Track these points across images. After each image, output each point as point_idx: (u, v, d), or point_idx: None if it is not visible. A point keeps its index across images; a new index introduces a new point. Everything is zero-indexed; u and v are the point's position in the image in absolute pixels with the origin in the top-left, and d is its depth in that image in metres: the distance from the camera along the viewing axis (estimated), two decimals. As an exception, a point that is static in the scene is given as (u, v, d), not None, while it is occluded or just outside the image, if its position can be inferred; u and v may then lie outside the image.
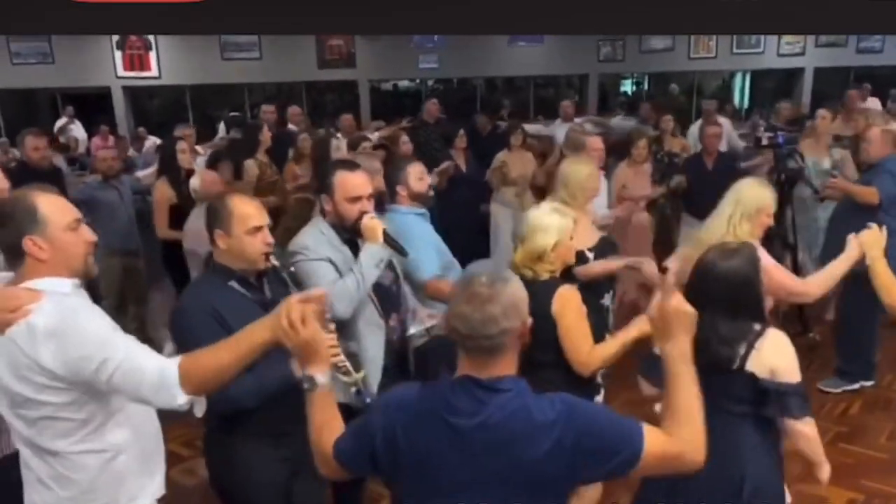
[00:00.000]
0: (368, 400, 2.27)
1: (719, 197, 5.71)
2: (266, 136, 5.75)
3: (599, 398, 2.85)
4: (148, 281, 5.56)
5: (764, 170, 5.82)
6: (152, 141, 9.41)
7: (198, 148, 6.18)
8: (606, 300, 3.20)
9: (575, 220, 2.74)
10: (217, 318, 2.16)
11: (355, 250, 2.70)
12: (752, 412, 2.20)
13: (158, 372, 1.72)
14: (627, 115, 9.33)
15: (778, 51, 14.32)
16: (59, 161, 6.89)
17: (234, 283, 2.28)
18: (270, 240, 2.31)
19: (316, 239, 2.72)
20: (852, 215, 4.33)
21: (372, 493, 3.32)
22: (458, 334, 1.49)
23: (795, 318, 5.06)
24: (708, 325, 2.05)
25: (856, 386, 4.52)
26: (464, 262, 3.39)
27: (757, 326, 2.21)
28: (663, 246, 6.05)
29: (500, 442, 1.46)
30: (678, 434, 1.53)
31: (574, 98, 12.24)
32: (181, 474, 3.82)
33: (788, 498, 2.36)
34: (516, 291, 1.51)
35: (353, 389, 2.16)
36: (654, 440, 1.49)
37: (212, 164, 5.19)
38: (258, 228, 2.28)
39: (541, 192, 6.45)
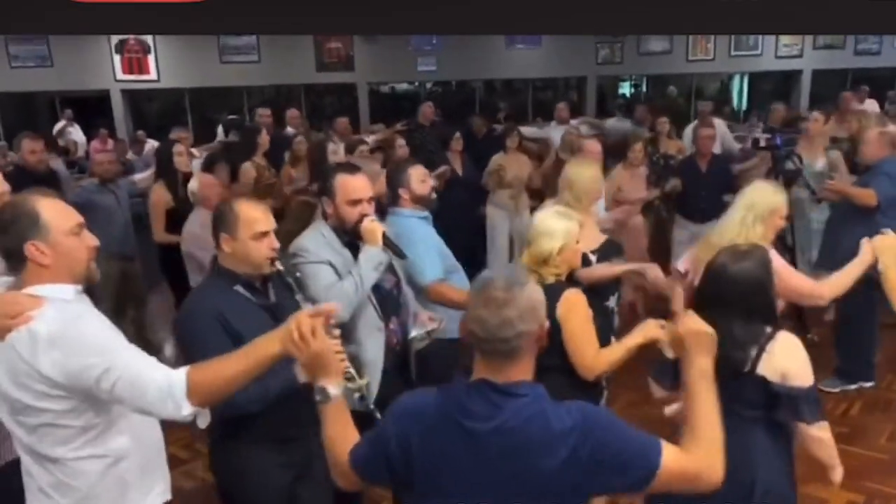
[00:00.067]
0: (372, 406, 2.26)
1: (713, 199, 5.77)
2: (264, 139, 5.76)
3: (602, 401, 2.85)
4: (146, 284, 5.55)
5: (762, 171, 5.84)
6: (151, 144, 9.41)
7: (193, 151, 6.17)
8: (611, 302, 3.19)
9: (581, 224, 2.73)
10: (222, 322, 2.17)
11: (356, 253, 2.70)
12: (763, 416, 2.19)
13: (165, 382, 1.70)
14: (623, 117, 9.33)
15: (776, 53, 14.34)
16: (59, 164, 6.88)
17: (239, 288, 2.28)
18: (276, 244, 2.32)
19: (316, 241, 2.73)
20: (850, 217, 4.34)
21: (373, 496, 3.32)
22: (474, 338, 1.49)
23: (794, 319, 5.06)
24: (719, 328, 2.05)
25: (855, 386, 4.52)
26: (460, 264, 3.40)
27: (768, 329, 2.20)
28: (658, 248, 6.06)
29: (515, 447, 1.45)
30: (697, 453, 1.52)
31: (572, 100, 12.28)
32: (181, 477, 3.80)
33: None
34: (533, 295, 1.51)
35: (357, 395, 2.16)
36: (671, 457, 1.48)
37: (207, 167, 5.17)
38: (264, 233, 2.28)
39: (537, 194, 6.46)
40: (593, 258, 3.20)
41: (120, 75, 11.71)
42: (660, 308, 5.55)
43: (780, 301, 2.55)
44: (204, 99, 13.31)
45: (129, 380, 1.69)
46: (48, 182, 4.68)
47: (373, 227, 2.69)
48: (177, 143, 5.34)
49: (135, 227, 5.34)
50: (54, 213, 1.77)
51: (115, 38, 11.44)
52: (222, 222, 2.29)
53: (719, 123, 7.61)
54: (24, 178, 4.26)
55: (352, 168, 2.84)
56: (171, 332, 5.71)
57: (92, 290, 1.90)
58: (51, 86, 11.65)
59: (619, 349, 2.60)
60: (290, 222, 3.82)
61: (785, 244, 5.12)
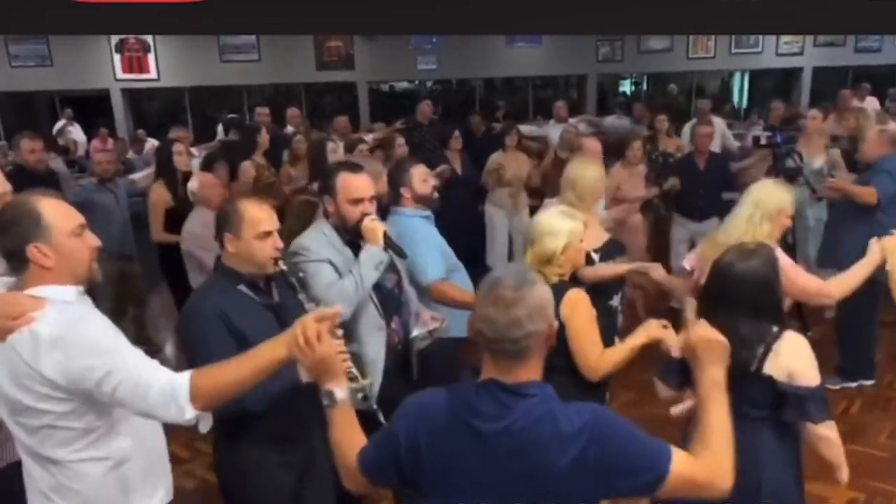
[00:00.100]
0: (375, 406, 2.26)
1: (711, 197, 5.76)
2: (264, 138, 5.74)
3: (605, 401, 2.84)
4: (146, 284, 5.55)
5: (760, 169, 5.82)
6: (152, 143, 9.41)
7: (192, 150, 6.17)
8: (615, 301, 3.16)
9: (584, 223, 2.71)
10: (225, 321, 2.17)
11: (357, 252, 2.71)
12: (770, 416, 2.18)
13: (168, 385, 1.69)
14: (623, 115, 9.32)
15: (776, 50, 14.32)
16: (59, 163, 6.88)
17: (242, 287, 2.28)
18: (280, 244, 2.32)
19: (317, 240, 2.74)
20: (850, 215, 4.34)
21: (373, 494, 3.32)
22: (483, 338, 1.48)
23: (795, 316, 5.05)
24: (726, 326, 2.05)
25: (855, 384, 4.52)
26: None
27: (775, 328, 2.19)
28: (657, 246, 6.05)
29: (523, 448, 1.45)
30: (707, 461, 1.52)
31: (573, 98, 12.25)
32: (181, 476, 3.81)
33: None
34: (542, 294, 1.50)
35: (360, 395, 2.16)
36: (681, 464, 1.48)
37: (206, 166, 5.16)
38: (268, 233, 2.28)
39: (536, 193, 6.46)
40: (596, 257, 3.19)
41: (120, 74, 11.70)
42: (660, 307, 5.57)
43: (787, 300, 2.54)
44: (204, 98, 13.31)
45: (131, 383, 1.69)
46: (47, 182, 4.67)
47: (374, 226, 2.69)
48: (176, 143, 5.32)
49: (134, 227, 5.33)
50: (56, 213, 1.76)
51: (115, 38, 11.42)
52: (227, 222, 2.28)
53: (718, 121, 7.61)
54: (23, 178, 4.25)
55: (354, 167, 2.85)
56: (173, 332, 5.75)
57: (91, 290, 1.89)
58: (51, 85, 11.64)
59: (623, 349, 2.59)
60: (292, 221, 3.82)
61: (786, 243, 5.12)
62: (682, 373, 2.40)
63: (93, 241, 1.83)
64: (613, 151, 5.85)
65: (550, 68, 13.79)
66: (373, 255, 2.67)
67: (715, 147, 6.69)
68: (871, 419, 4.19)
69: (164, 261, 4.98)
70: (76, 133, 11.11)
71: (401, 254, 2.79)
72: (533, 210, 6.41)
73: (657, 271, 3.15)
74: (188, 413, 1.70)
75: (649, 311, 5.48)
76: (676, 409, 2.56)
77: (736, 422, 1.62)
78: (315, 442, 2.39)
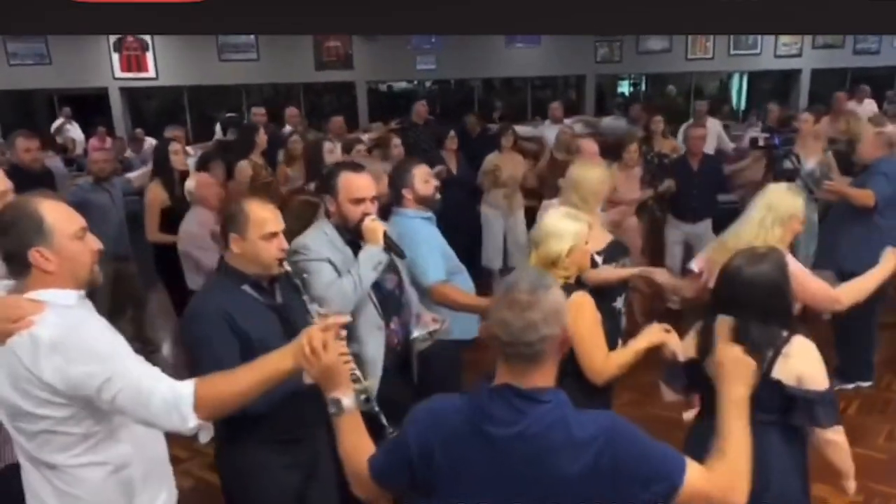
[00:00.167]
0: (377, 409, 2.25)
1: (704, 199, 5.75)
2: (262, 138, 5.73)
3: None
4: (142, 284, 5.54)
5: (755, 171, 5.83)
6: (150, 142, 9.40)
7: (188, 149, 6.16)
8: (619, 303, 3.15)
9: (590, 225, 2.70)
10: (229, 322, 2.17)
11: (358, 252, 2.71)
12: (779, 420, 2.18)
13: (171, 394, 1.68)
14: (621, 115, 9.31)
15: (775, 52, 14.31)
16: (57, 162, 6.87)
17: (246, 287, 2.28)
18: (285, 245, 2.32)
19: (318, 239, 2.74)
20: (847, 217, 4.35)
21: (381, 501, 3.31)
22: (498, 341, 1.48)
23: (802, 320, 5.05)
24: (735, 330, 2.05)
25: (853, 386, 4.52)
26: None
27: (784, 333, 2.19)
28: (653, 248, 6.05)
29: (536, 453, 1.44)
30: (723, 476, 1.52)
31: (571, 98, 12.22)
32: (179, 476, 3.76)
33: None
34: (557, 298, 1.51)
35: (363, 397, 2.15)
36: (696, 476, 1.48)
37: (201, 166, 5.14)
38: (274, 234, 2.27)
39: (533, 194, 6.46)
40: (599, 259, 3.18)
41: (118, 73, 11.69)
42: (658, 308, 5.57)
43: (797, 305, 2.54)
44: (202, 97, 13.30)
45: (133, 391, 1.67)
46: (43, 181, 4.65)
47: (374, 226, 2.70)
48: (173, 142, 5.31)
49: (131, 226, 5.30)
50: (58, 217, 1.74)
51: (113, 36, 11.42)
52: (232, 222, 2.28)
53: (714, 123, 7.62)
54: (18, 177, 4.23)
55: (355, 167, 2.86)
56: (170, 331, 5.74)
57: (89, 292, 1.88)
58: (49, 83, 11.63)
59: (628, 353, 2.58)
60: (291, 221, 3.82)
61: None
62: (688, 377, 2.40)
63: (94, 244, 1.82)
64: (610, 152, 5.86)
65: (549, 69, 13.78)
66: (372, 256, 2.67)
67: (710, 149, 6.69)
68: (870, 421, 4.19)
69: (159, 261, 4.97)
70: (74, 131, 11.11)
71: (400, 254, 2.78)
72: (529, 211, 6.44)
73: (662, 276, 3.15)
74: (191, 422, 1.69)
75: (646, 312, 5.48)
76: (688, 415, 2.57)
77: None
78: (319, 443, 2.39)
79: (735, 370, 1.72)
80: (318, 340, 1.65)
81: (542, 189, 6.17)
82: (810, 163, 5.55)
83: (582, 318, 2.51)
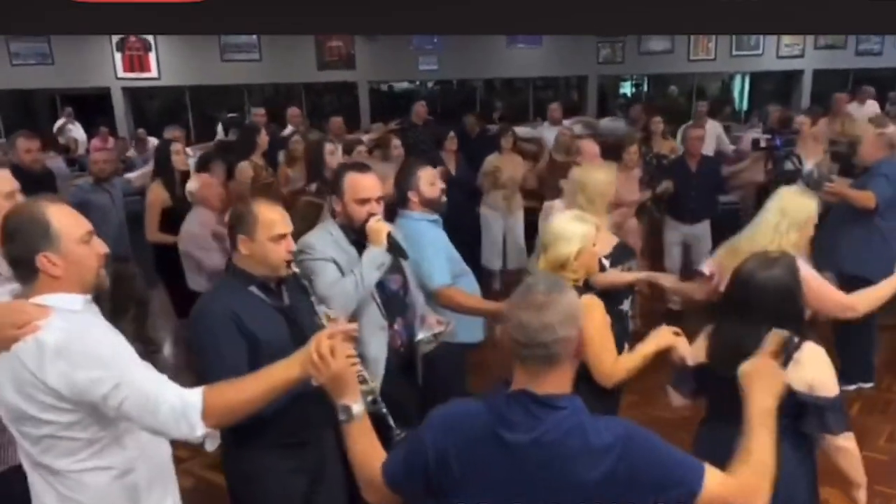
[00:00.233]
0: (384, 410, 2.24)
1: (702, 200, 5.74)
2: (263, 138, 5.71)
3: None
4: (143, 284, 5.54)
5: (754, 173, 5.82)
6: (154, 142, 9.41)
7: (188, 150, 6.17)
8: (625, 306, 3.14)
9: (598, 227, 2.69)
10: (237, 322, 2.17)
11: (363, 252, 2.71)
12: (788, 426, 2.16)
13: (179, 402, 1.68)
14: (619, 116, 9.30)
15: (777, 53, 14.31)
16: (59, 162, 6.87)
17: (253, 289, 2.27)
18: (293, 247, 2.32)
19: (322, 239, 2.75)
20: (848, 219, 4.34)
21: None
22: (515, 343, 1.48)
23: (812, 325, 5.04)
24: (746, 335, 2.05)
25: (854, 387, 4.52)
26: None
27: (795, 339, 2.16)
28: (652, 249, 6.05)
29: (553, 460, 1.44)
30: (744, 482, 1.52)
31: (573, 99, 12.21)
32: (180, 475, 3.78)
33: None
34: (573, 301, 1.51)
35: (370, 398, 2.15)
36: (715, 483, 1.47)
37: (201, 167, 5.12)
38: (282, 236, 2.27)
39: (531, 194, 6.46)
40: (607, 262, 3.16)
41: (121, 73, 11.70)
42: (658, 308, 5.57)
43: (809, 310, 2.52)
44: (204, 97, 13.32)
45: (140, 398, 1.66)
46: (43, 182, 4.66)
47: (378, 226, 2.70)
48: (174, 142, 5.31)
49: (132, 227, 5.29)
50: (65, 221, 1.73)
51: (115, 36, 11.43)
52: (240, 223, 2.27)
53: (714, 125, 7.61)
54: (19, 178, 4.23)
55: (362, 167, 2.86)
56: (172, 332, 5.74)
57: (94, 295, 1.88)
58: (51, 83, 11.64)
59: (637, 357, 2.58)
60: (296, 222, 3.83)
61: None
62: (697, 381, 2.39)
63: (100, 247, 1.81)
64: (609, 153, 5.86)
65: (551, 69, 13.79)
66: (375, 256, 2.67)
67: (709, 150, 6.68)
68: (871, 422, 4.18)
69: (160, 261, 4.97)
70: (76, 131, 11.12)
71: (403, 255, 2.78)
72: (528, 212, 6.44)
73: (669, 280, 3.14)
74: (199, 430, 1.69)
75: (645, 314, 5.49)
76: (677, 401, 2.56)
77: None
78: (325, 446, 2.40)
79: (765, 381, 1.70)
80: (325, 347, 1.65)
81: (542, 190, 6.17)
82: (809, 164, 5.55)
83: (591, 320, 2.48)
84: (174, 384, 1.74)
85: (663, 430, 1.71)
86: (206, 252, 4.27)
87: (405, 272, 2.93)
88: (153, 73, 11.81)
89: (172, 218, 4.72)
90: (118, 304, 5.10)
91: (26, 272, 1.72)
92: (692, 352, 2.43)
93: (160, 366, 1.79)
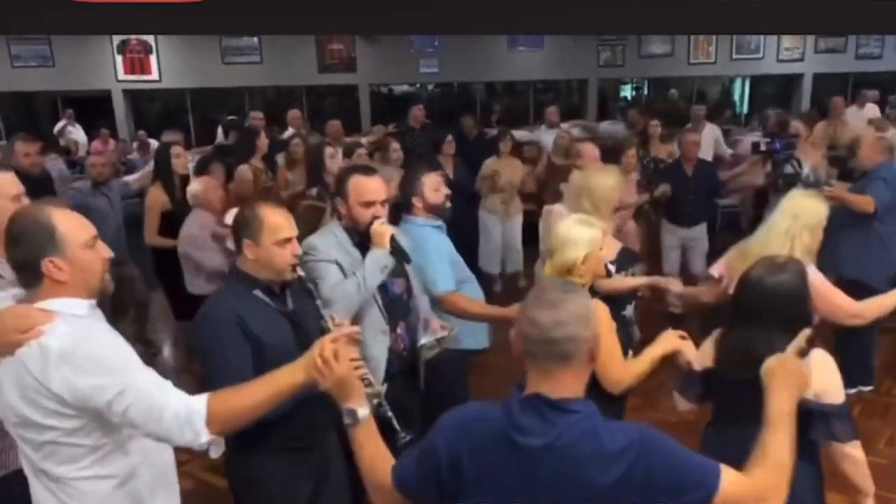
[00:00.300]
0: (390, 414, 2.24)
1: (699, 204, 5.74)
2: (263, 142, 5.69)
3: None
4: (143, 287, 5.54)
5: (752, 176, 5.82)
6: (155, 145, 9.42)
7: (187, 154, 6.15)
8: (629, 311, 3.13)
9: (604, 231, 2.67)
10: (241, 326, 2.16)
11: (366, 254, 2.72)
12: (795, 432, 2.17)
13: (184, 409, 1.67)
14: (618, 119, 9.31)
15: (777, 56, 14.32)
16: (60, 164, 6.86)
17: (258, 293, 2.27)
18: (298, 251, 2.32)
19: (326, 241, 2.76)
20: (847, 223, 4.32)
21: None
22: (528, 341, 1.48)
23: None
24: (755, 340, 2.04)
25: (854, 391, 4.51)
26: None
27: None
28: (650, 252, 6.05)
29: (566, 464, 1.43)
30: (760, 480, 1.51)
31: (573, 102, 12.21)
32: (180, 478, 3.79)
33: None
34: (587, 303, 1.53)
35: (375, 402, 2.14)
36: (731, 482, 1.46)
37: (199, 170, 5.11)
38: (288, 240, 2.27)
39: (530, 198, 6.46)
40: (612, 268, 3.14)
41: (121, 75, 11.73)
42: (657, 309, 5.57)
43: (817, 316, 2.51)
44: (205, 99, 13.34)
45: (145, 405, 1.66)
46: (41, 185, 4.64)
47: (382, 230, 2.70)
48: (174, 146, 5.29)
49: (131, 230, 5.27)
50: (70, 226, 1.72)
51: (116, 39, 11.46)
52: (246, 228, 2.27)
53: (712, 128, 7.61)
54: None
55: (367, 170, 2.87)
56: (171, 335, 5.73)
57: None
58: (52, 86, 11.67)
59: (644, 362, 2.57)
60: (298, 226, 3.84)
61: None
62: (703, 385, 2.39)
63: (105, 252, 1.81)
64: (609, 157, 5.86)
65: (552, 73, 13.81)
66: (377, 259, 2.67)
67: (707, 154, 6.68)
68: (870, 426, 4.17)
69: (159, 264, 4.96)
70: (77, 133, 11.13)
71: (406, 259, 2.78)
72: (527, 215, 6.43)
73: (675, 285, 3.13)
74: (203, 437, 1.68)
75: (643, 316, 5.48)
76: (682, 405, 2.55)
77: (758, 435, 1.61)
78: (329, 449, 2.40)
79: (788, 380, 1.69)
80: (329, 352, 1.65)
81: (541, 193, 6.17)
82: (807, 167, 5.55)
83: (599, 326, 2.48)
84: (178, 391, 1.73)
85: (667, 433, 1.71)
86: (205, 253, 4.27)
87: (409, 276, 2.93)
88: (154, 75, 11.83)
89: (172, 221, 4.71)
90: (118, 305, 5.10)
91: (31, 276, 1.71)
92: (698, 356, 2.42)
93: (161, 368, 1.79)
